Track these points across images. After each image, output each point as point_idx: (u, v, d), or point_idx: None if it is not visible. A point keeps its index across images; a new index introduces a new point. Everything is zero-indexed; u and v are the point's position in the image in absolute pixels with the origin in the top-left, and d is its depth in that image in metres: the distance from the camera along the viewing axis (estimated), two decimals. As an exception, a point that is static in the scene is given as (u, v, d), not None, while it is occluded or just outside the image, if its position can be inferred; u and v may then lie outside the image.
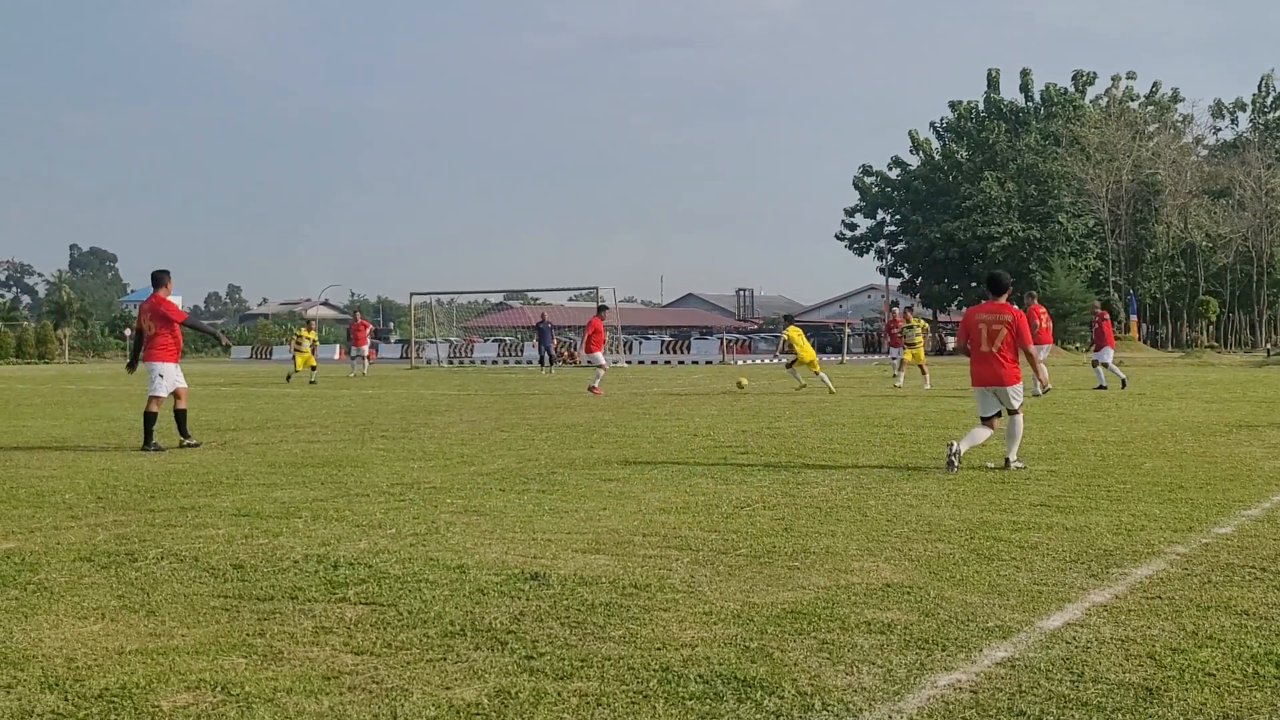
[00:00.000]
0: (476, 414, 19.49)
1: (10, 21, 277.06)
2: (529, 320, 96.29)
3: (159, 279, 14.57)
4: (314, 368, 35.16)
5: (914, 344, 28.02)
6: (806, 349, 25.62)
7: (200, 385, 32.34)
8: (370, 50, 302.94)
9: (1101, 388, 25.44)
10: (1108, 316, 27.47)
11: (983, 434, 11.14)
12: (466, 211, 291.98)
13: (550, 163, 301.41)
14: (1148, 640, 5.09)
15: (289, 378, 34.72)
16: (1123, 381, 25.64)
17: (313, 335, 36.86)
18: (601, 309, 29.07)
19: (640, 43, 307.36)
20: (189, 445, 13.72)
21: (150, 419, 13.79)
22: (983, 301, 11.73)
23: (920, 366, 28.23)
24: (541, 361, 44.44)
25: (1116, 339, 68.96)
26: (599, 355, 27.30)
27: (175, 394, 14.10)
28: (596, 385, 25.94)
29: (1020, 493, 9.47)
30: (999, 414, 11.27)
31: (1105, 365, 26.15)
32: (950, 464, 10.79)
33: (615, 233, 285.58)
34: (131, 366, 15.23)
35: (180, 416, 14.05)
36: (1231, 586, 6.11)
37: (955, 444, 10.92)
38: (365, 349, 39.94)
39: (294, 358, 35.83)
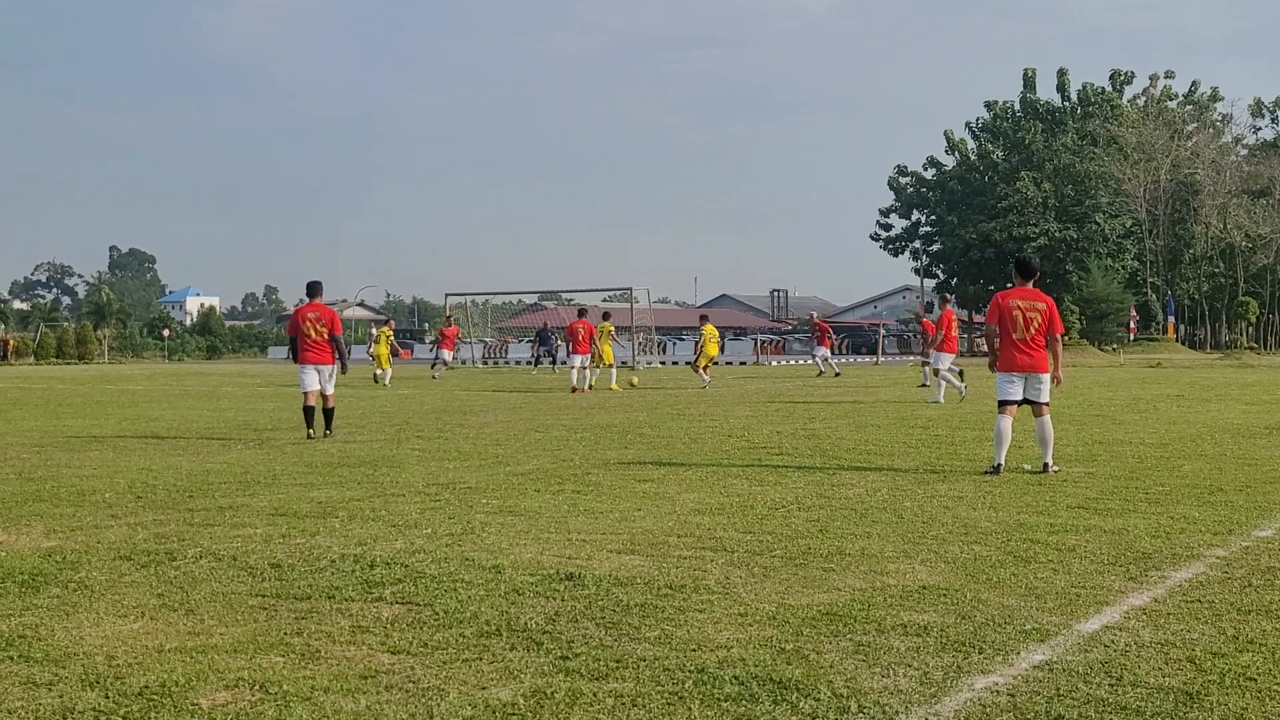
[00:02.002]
0: (511, 414, 19.55)
1: (49, 23, 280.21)
2: (562, 321, 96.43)
3: (321, 288, 16.13)
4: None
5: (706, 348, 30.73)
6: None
7: (237, 385, 32.61)
8: (403, 50, 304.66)
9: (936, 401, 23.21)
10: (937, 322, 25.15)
11: (1008, 431, 11.03)
12: (500, 212, 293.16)
13: (584, 162, 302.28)
14: (1187, 644, 5.05)
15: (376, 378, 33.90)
16: (925, 389, 24.17)
17: (388, 332, 37.78)
18: (581, 312, 30.94)
19: (674, 42, 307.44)
20: (329, 435, 15.33)
21: (309, 412, 15.48)
22: (1011, 286, 11.54)
23: (704, 368, 30.15)
24: (537, 361, 48.39)
25: (1154, 340, 68.77)
26: (577, 358, 28.32)
27: (324, 395, 15.57)
28: (579, 384, 27.90)
29: (1057, 495, 9.41)
30: (1019, 402, 11.15)
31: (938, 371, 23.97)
32: (993, 471, 10.77)
33: (649, 233, 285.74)
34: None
35: (329, 415, 15.65)
36: (1272, 590, 6.05)
37: (1000, 463, 10.86)
38: (449, 354, 40.38)
39: (377, 358, 35.31)
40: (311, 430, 15.29)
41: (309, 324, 15.60)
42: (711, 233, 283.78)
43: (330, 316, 15.78)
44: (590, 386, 28.17)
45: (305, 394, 15.50)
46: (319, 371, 15.56)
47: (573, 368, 28.26)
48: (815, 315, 38.19)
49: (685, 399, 24.10)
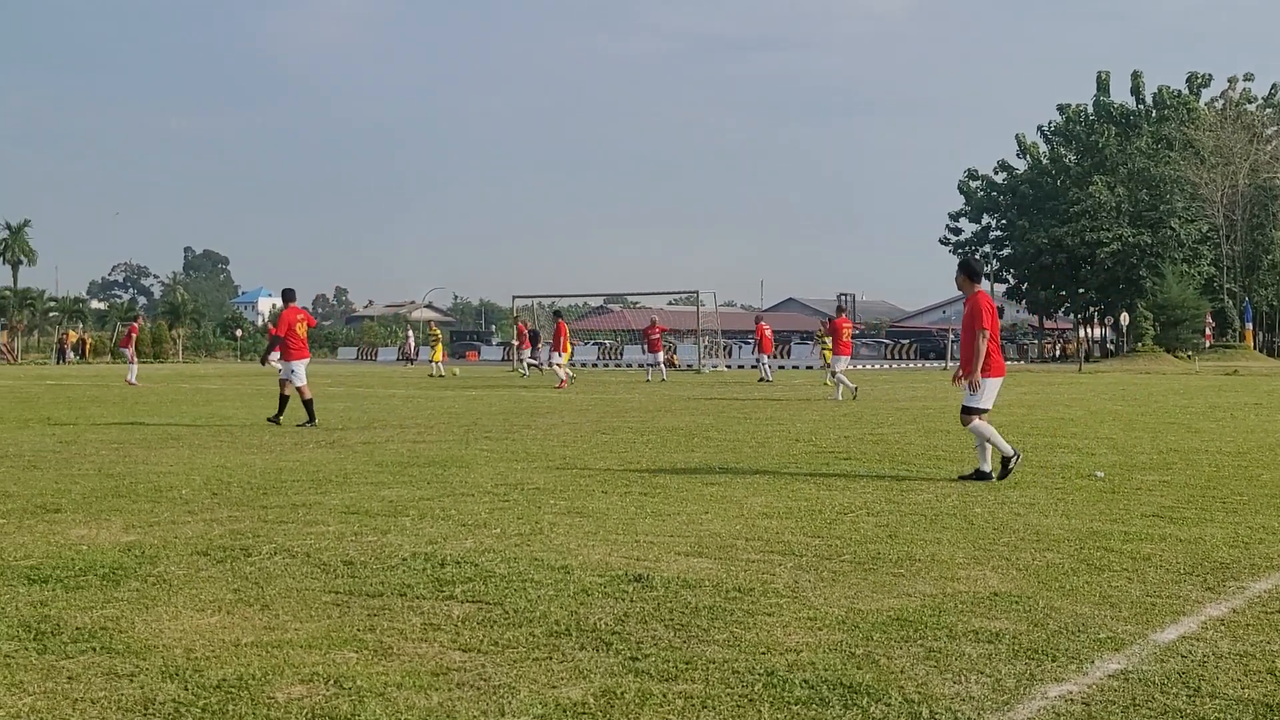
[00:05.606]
0: (578, 416, 19.61)
1: (126, 28, 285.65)
2: (629, 324, 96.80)
3: (295, 294, 18.44)
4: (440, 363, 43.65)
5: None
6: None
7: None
8: (470, 53, 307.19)
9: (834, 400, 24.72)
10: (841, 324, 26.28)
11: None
12: (568, 214, 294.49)
13: (652, 165, 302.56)
14: (1267, 656, 4.95)
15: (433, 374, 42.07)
16: (853, 392, 25.04)
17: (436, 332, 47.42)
18: (557, 314, 36.97)
19: (740, 44, 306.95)
20: (272, 421, 17.46)
21: (311, 404, 17.44)
22: (980, 290, 11.23)
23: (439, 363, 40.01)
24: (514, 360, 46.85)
25: (1231, 347, 67.45)
26: (559, 355, 32.74)
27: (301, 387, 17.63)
28: (564, 381, 31.66)
29: (1131, 503, 9.27)
30: None
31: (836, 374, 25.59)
32: (1015, 458, 10.67)
33: (716, 236, 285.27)
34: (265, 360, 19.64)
35: (309, 404, 17.47)
36: (1356, 603, 5.92)
37: (1014, 451, 10.73)
38: (528, 353, 43.51)
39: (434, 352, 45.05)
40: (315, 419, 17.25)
41: (300, 324, 17.88)
42: (779, 236, 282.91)
43: (307, 316, 18.44)
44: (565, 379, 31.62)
45: (301, 388, 17.40)
46: (303, 366, 17.70)
47: (558, 365, 32.46)
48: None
49: (751, 403, 24.05)
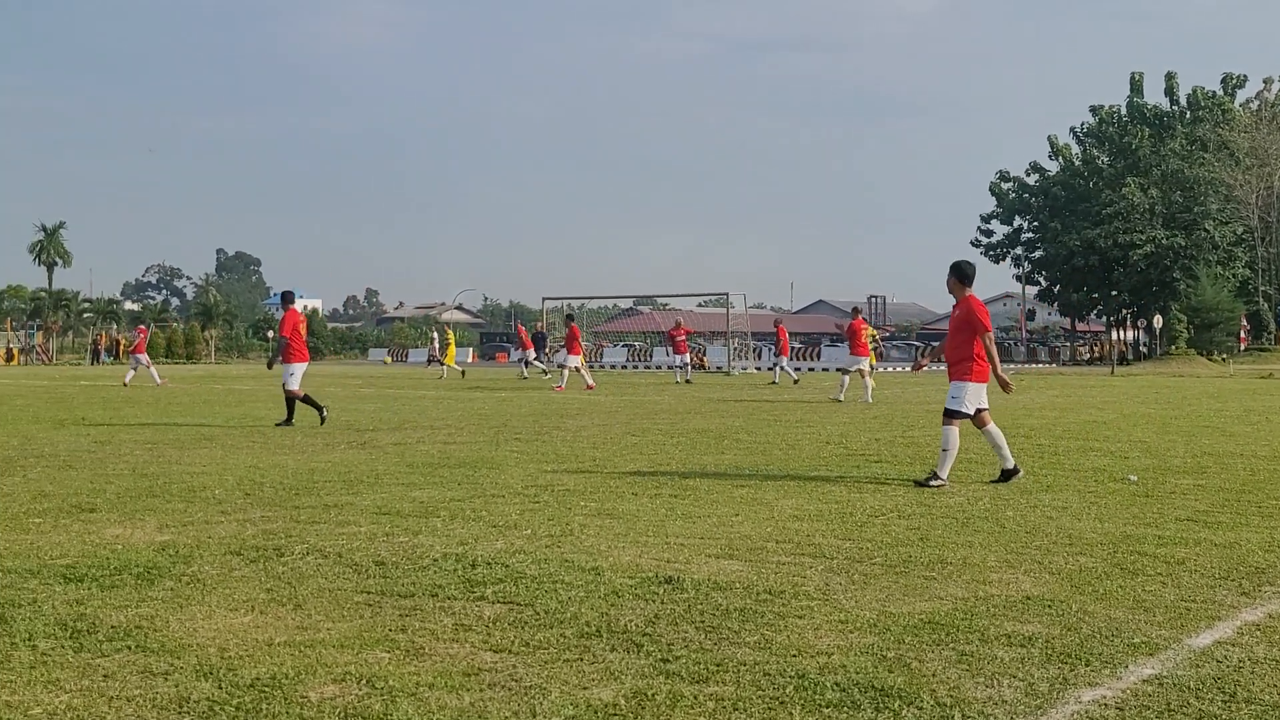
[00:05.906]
0: (607, 418, 19.62)
1: (159, 31, 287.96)
2: (658, 325, 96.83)
3: (294, 296, 19.04)
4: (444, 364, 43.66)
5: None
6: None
7: (339, 386, 33.18)
8: (501, 56, 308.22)
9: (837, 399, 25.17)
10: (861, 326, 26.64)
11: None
12: (598, 216, 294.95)
13: (682, 167, 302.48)
14: (1304, 662, 4.91)
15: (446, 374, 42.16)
16: (840, 393, 25.45)
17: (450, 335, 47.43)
18: (570, 318, 36.31)
19: (772, 46, 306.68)
20: (284, 424, 17.59)
21: (292, 402, 17.76)
22: (971, 293, 11.12)
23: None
24: (526, 363, 45.19)
25: (1266, 350, 66.69)
26: (574, 359, 32.15)
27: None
28: (561, 384, 31.05)
29: (1165, 507, 9.20)
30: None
31: (848, 372, 26.24)
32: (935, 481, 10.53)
33: (746, 237, 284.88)
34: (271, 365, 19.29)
35: (293, 404, 17.88)
36: (1394, 609, 5.86)
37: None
38: (530, 353, 44.84)
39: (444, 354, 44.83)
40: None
41: (303, 326, 18.47)
42: (808, 237, 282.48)
43: (305, 321, 19.19)
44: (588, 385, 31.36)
45: (292, 390, 17.58)
46: (301, 369, 17.97)
47: (567, 367, 31.92)
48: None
49: (781, 405, 24.00)
